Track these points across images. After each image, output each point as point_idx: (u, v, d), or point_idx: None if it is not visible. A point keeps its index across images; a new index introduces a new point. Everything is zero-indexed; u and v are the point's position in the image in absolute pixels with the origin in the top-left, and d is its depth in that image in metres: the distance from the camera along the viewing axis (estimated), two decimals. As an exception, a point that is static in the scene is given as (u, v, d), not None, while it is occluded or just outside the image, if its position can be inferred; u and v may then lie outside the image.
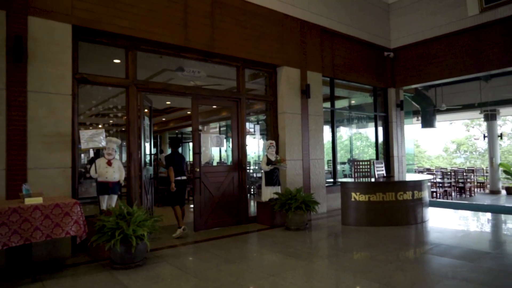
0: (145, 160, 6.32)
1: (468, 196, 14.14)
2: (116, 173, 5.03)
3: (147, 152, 6.81)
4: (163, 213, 6.62)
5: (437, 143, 32.50)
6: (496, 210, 8.53)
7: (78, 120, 5.21)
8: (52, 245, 4.54)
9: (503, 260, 4.46)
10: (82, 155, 6.20)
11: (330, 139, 8.91)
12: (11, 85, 4.43)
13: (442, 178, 14.52)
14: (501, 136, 15.42)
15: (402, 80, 9.94)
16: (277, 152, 7.11)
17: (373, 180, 7.00)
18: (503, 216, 7.66)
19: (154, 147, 14.79)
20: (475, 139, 25.55)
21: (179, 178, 6.47)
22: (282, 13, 7.44)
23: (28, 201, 3.77)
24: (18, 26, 4.50)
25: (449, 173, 14.88)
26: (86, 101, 5.61)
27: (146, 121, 6.48)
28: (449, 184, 13.84)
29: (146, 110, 6.70)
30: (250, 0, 6.92)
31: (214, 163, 13.03)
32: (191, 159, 11.08)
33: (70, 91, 4.89)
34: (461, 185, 14.29)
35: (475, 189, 15.76)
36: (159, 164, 10.26)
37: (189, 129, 15.43)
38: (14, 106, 4.43)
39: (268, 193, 6.78)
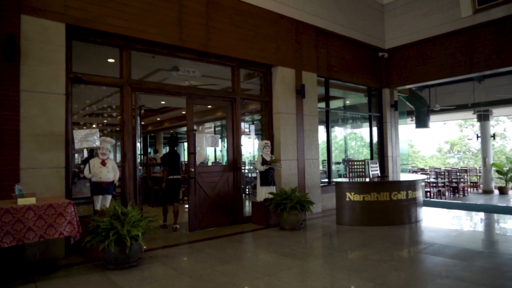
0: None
1: (462, 196, 14.25)
2: (110, 173, 5.00)
3: (138, 152, 6.82)
4: (157, 213, 6.61)
5: (431, 143, 32.75)
6: (489, 210, 8.62)
7: (72, 120, 5.17)
8: (46, 245, 4.49)
9: (495, 259, 4.50)
10: (76, 155, 6.16)
11: (325, 139, 8.94)
12: (4, 84, 4.38)
13: (436, 178, 14.62)
14: (494, 136, 15.56)
15: (396, 81, 10.00)
16: (272, 152, 7.11)
17: (367, 180, 7.03)
18: (495, 216, 7.73)
19: (143, 147, 14.74)
20: (468, 139, 25.77)
21: (171, 177, 6.69)
22: (277, 13, 7.44)
23: (21, 201, 3.74)
24: (11, 24, 4.46)
25: (442, 173, 14.99)
26: (80, 101, 5.57)
27: (137, 120, 6.45)
28: (442, 184, 13.95)
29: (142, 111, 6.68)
30: (245, 0, 6.91)
31: (209, 163, 13.00)
32: (186, 159, 11.03)
33: (64, 90, 4.86)
34: (454, 185, 14.40)
35: (468, 189, 15.89)
36: (150, 163, 10.28)
37: (184, 129, 15.40)
38: (7, 106, 4.39)
39: (263, 193, 6.79)
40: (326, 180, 8.79)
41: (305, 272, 4.13)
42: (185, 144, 16.44)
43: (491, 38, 8.13)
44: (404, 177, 7.65)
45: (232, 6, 6.74)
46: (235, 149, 7.03)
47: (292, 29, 7.73)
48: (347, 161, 9.34)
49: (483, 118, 15.20)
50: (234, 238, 5.84)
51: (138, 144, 6.12)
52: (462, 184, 14.63)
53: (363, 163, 7.67)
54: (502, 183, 15.38)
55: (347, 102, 10.83)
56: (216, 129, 15.29)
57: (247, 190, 10.29)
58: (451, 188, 14.32)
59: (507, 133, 25.22)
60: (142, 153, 7.66)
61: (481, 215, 7.92)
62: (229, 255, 4.78)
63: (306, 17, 8.02)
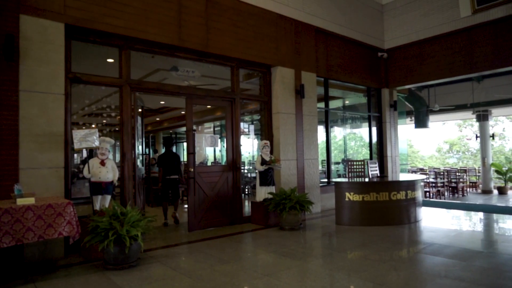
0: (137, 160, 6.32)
1: (461, 195, 14.27)
2: (109, 173, 4.99)
3: (139, 152, 6.85)
4: (156, 213, 6.61)
5: (430, 143, 32.79)
6: (488, 210, 8.63)
7: (71, 120, 5.16)
8: (45, 246, 4.50)
9: (494, 259, 4.50)
10: (75, 155, 6.15)
11: (324, 139, 8.94)
12: (3, 85, 4.38)
13: (435, 178, 14.64)
14: (493, 136, 15.59)
15: (396, 81, 10.01)
16: (271, 152, 7.11)
17: (367, 180, 7.03)
18: (495, 216, 7.74)
19: (146, 147, 14.74)
20: (467, 139, 25.82)
21: (168, 177, 6.81)
22: (276, 13, 7.44)
23: (20, 201, 3.73)
24: (10, 24, 4.45)
25: (442, 173, 15.00)
26: (79, 101, 5.56)
27: (138, 120, 6.46)
28: (442, 184, 13.96)
29: (139, 110, 6.68)
30: (244, 0, 6.91)
31: (209, 163, 13.01)
32: (185, 159, 11.01)
33: (63, 90, 4.85)
34: (453, 185, 14.42)
35: (468, 189, 15.92)
36: (150, 163, 10.34)
37: (183, 129, 15.40)
38: (6, 106, 4.38)
39: (263, 193, 6.78)
40: (326, 180, 8.80)
41: (305, 272, 4.13)
42: (185, 144, 16.44)
43: (490, 38, 8.14)
44: (403, 177, 7.66)
45: (231, 6, 6.73)
46: (234, 149, 7.03)
47: (291, 29, 7.73)
48: (346, 161, 9.35)
49: (482, 118, 15.23)
50: (233, 238, 5.84)
51: (139, 144, 6.12)
52: (461, 184, 14.65)
53: (362, 163, 7.68)
54: (501, 183, 15.41)
55: (347, 102, 10.84)
56: (216, 129, 15.29)
57: (246, 190, 10.30)
58: (450, 188, 14.34)
59: (506, 133, 25.26)
60: (143, 153, 7.69)
61: (480, 215, 7.92)
62: (228, 255, 4.78)
63: (306, 17, 8.02)
